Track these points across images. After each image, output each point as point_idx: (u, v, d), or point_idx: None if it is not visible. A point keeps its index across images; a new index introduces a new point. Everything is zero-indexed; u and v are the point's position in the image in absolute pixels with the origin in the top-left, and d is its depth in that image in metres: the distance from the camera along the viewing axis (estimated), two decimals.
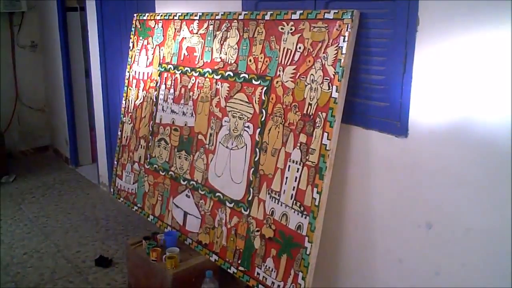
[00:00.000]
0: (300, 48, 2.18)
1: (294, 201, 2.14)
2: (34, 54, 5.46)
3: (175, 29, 2.99)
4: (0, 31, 5.19)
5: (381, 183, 2.04)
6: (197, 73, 2.79)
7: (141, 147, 3.24)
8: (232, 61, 2.55)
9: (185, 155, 2.85)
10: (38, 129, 5.64)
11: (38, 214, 4.05)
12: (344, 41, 2.00)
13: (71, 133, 5.05)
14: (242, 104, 2.47)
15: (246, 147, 2.43)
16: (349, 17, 1.98)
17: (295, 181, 2.14)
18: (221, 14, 2.64)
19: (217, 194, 2.59)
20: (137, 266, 2.82)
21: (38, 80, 5.54)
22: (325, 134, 2.03)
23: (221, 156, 2.59)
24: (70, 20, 4.82)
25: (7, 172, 4.93)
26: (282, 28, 2.28)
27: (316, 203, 2.03)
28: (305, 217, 2.08)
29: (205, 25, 2.75)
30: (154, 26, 3.17)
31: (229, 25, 2.59)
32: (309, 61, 2.13)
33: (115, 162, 3.50)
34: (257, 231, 2.32)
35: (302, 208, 2.10)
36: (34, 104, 5.56)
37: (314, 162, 2.06)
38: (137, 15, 3.36)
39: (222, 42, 2.63)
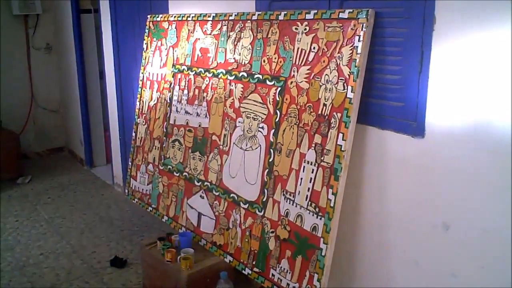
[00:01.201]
0: (314, 48, 2.17)
1: (309, 202, 2.12)
2: (49, 56, 5.51)
3: (189, 30, 2.99)
4: (16, 33, 5.24)
5: (397, 184, 2.02)
6: (211, 74, 2.79)
7: (155, 148, 3.25)
8: (246, 62, 2.55)
9: (199, 156, 2.85)
10: (53, 130, 5.70)
11: (53, 214, 4.09)
12: (359, 40, 1.98)
13: (86, 134, 5.09)
14: (256, 105, 2.47)
15: (260, 148, 2.42)
16: (364, 16, 1.97)
17: (310, 182, 2.13)
18: (235, 15, 2.64)
19: (232, 195, 2.59)
20: (151, 267, 2.83)
21: (53, 82, 5.60)
22: (340, 134, 2.01)
23: (235, 157, 2.58)
24: (84, 22, 4.86)
25: (23, 173, 4.99)
26: (296, 28, 2.27)
27: (332, 204, 2.02)
28: (320, 218, 2.06)
29: (219, 26, 2.75)
30: (168, 27, 3.18)
31: (242, 25, 2.58)
32: (324, 61, 2.12)
33: (130, 163, 3.52)
34: (272, 232, 2.31)
35: (317, 209, 2.08)
36: (49, 106, 5.61)
37: (329, 163, 2.05)
38: (150, 17, 3.37)
39: (235, 43, 2.62)
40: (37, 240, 3.64)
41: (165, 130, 3.17)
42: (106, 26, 4.19)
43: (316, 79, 2.15)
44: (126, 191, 3.58)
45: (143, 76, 3.42)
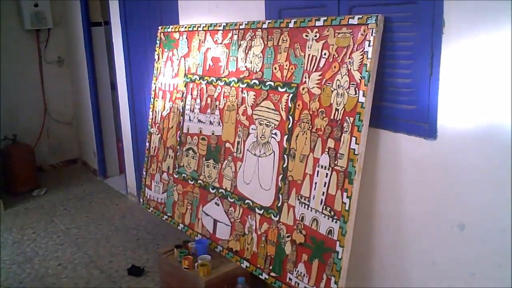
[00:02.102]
0: (325, 54, 2.21)
1: (324, 206, 2.15)
2: (61, 69, 5.60)
3: (200, 40, 3.04)
4: (28, 48, 5.34)
5: (412, 186, 2.04)
6: (223, 83, 2.84)
7: (169, 157, 3.30)
8: (257, 70, 2.59)
9: (213, 163, 2.89)
10: (67, 142, 5.78)
11: (70, 225, 4.14)
12: (369, 45, 2.01)
13: (99, 145, 5.15)
14: (268, 112, 2.51)
15: (274, 154, 2.45)
16: (374, 21, 2.00)
17: (324, 186, 2.16)
18: (245, 24, 2.69)
19: (246, 201, 2.62)
20: (169, 274, 2.86)
21: (66, 95, 5.69)
22: (353, 138, 2.04)
23: (249, 164, 2.62)
24: (95, 34, 4.94)
25: (38, 186, 5.06)
26: (306, 35, 2.30)
27: (346, 208, 2.04)
28: (336, 222, 2.09)
29: (229, 35, 2.80)
30: (179, 38, 3.24)
31: (253, 34, 2.63)
32: (335, 67, 2.15)
33: (144, 173, 3.57)
34: (288, 236, 2.34)
35: (332, 213, 2.11)
36: (62, 118, 5.70)
37: (343, 167, 2.08)
38: (161, 28, 3.43)
39: (246, 51, 2.67)
40: (55, 251, 3.70)
41: (178, 139, 3.21)
42: (117, 38, 4.27)
43: (328, 84, 2.18)
44: (141, 200, 3.62)
45: (155, 87, 3.47)
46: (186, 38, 3.16)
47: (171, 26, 3.34)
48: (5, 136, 5.06)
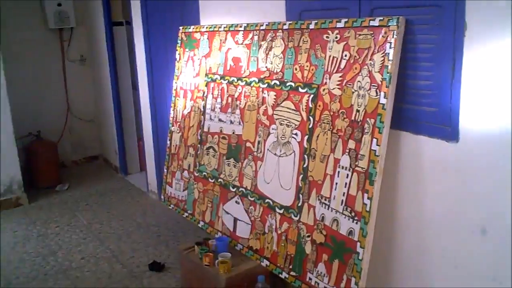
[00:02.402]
0: (346, 55, 2.22)
1: (345, 207, 2.17)
2: (83, 67, 5.70)
3: (221, 40, 3.08)
4: (51, 47, 5.45)
5: (433, 188, 2.04)
6: (244, 83, 2.87)
7: (190, 155, 3.35)
8: (278, 70, 2.61)
9: (233, 162, 2.93)
10: (89, 139, 5.89)
11: (92, 220, 4.23)
12: (390, 47, 2.02)
13: (120, 143, 5.24)
14: (289, 112, 2.53)
15: (295, 154, 2.48)
16: (395, 23, 2.01)
17: (345, 187, 2.17)
18: (266, 25, 2.71)
19: (267, 200, 2.65)
20: (190, 270, 2.91)
21: (88, 93, 5.79)
22: (374, 140, 2.05)
23: (270, 163, 2.65)
24: (116, 34, 5.02)
25: (61, 181, 5.17)
26: (327, 37, 2.32)
27: (367, 209, 2.06)
28: (356, 223, 2.11)
29: (250, 35, 2.82)
30: (200, 38, 3.27)
31: (274, 35, 2.65)
32: (356, 68, 2.17)
33: (165, 170, 3.63)
34: (308, 236, 2.37)
35: (353, 214, 2.13)
36: (84, 116, 5.80)
37: (363, 168, 2.09)
38: (182, 28, 3.48)
39: (267, 52, 2.69)
40: (78, 245, 3.78)
41: (199, 137, 3.26)
42: (138, 37, 4.32)
43: (349, 85, 2.20)
44: (162, 197, 3.68)
45: (177, 86, 3.52)
46: (207, 38, 3.20)
47: (192, 26, 3.37)
48: (29, 133, 5.18)
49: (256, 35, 2.78)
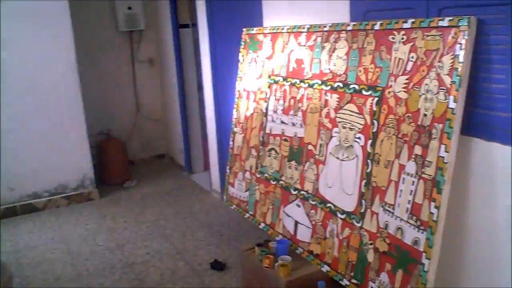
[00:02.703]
0: (412, 57, 2.13)
1: (410, 215, 2.09)
2: (151, 69, 5.90)
3: (283, 41, 3.06)
4: (122, 48, 5.69)
5: (506, 198, 1.91)
6: (306, 85, 2.84)
7: (252, 157, 3.36)
8: (341, 72, 2.56)
9: (295, 165, 2.91)
10: (156, 138, 6.09)
11: (158, 217, 4.37)
12: (461, 49, 1.91)
13: (185, 142, 5.37)
14: (352, 115, 2.47)
15: (357, 158, 2.42)
16: (466, 24, 1.90)
17: (410, 194, 2.09)
18: (329, 26, 2.66)
19: (328, 204, 2.61)
20: (250, 271, 2.93)
21: (156, 93, 5.99)
22: (442, 146, 1.96)
23: (332, 167, 2.60)
24: (183, 36, 5.14)
25: (129, 178, 5.39)
26: (393, 38, 2.24)
27: (434, 218, 1.97)
28: (422, 232, 2.02)
29: (313, 37, 2.78)
30: (263, 40, 3.28)
31: (337, 36, 2.60)
32: (423, 71, 2.07)
33: (228, 171, 3.67)
34: (371, 244, 2.30)
35: (418, 223, 2.04)
36: (152, 115, 6.01)
37: (430, 175, 2.00)
38: (246, 30, 3.50)
39: (330, 53, 2.64)
40: (144, 240, 3.92)
41: (261, 139, 3.26)
42: (203, 39, 4.40)
43: (415, 88, 2.11)
44: (224, 197, 3.73)
45: (240, 87, 3.55)
46: (270, 40, 3.19)
47: (255, 28, 3.39)
48: (101, 131, 5.44)
49: (319, 36, 2.73)
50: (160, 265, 3.52)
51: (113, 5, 5.45)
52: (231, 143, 3.64)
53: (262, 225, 3.20)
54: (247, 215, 3.39)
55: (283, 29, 3.07)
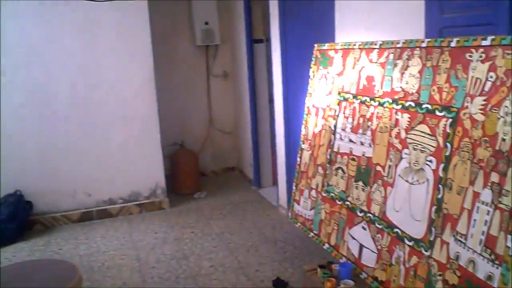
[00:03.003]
0: (491, 77, 1.98)
1: (484, 248, 1.92)
2: (225, 82, 6.02)
3: (355, 58, 2.98)
4: (198, 62, 5.86)
5: None
6: (376, 103, 2.73)
7: (318, 174, 3.29)
8: (414, 91, 2.44)
9: (362, 185, 2.80)
10: (227, 151, 6.18)
11: (224, 230, 4.40)
12: None
13: (255, 156, 5.40)
14: (424, 137, 2.33)
15: (428, 182, 2.28)
16: None
17: (485, 225, 1.92)
18: (402, 42, 2.55)
19: (395, 229, 2.48)
20: None
21: (228, 106, 6.09)
22: None
23: (400, 190, 2.47)
24: (256, 51, 5.20)
25: (199, 189, 5.50)
26: (470, 56, 2.09)
27: (511, 253, 1.79)
28: (497, 267, 1.84)
29: (385, 53, 2.68)
30: (334, 56, 3.21)
31: (410, 53, 2.48)
32: (503, 92, 1.91)
33: (294, 187, 3.62)
34: (440, 275, 2.14)
35: (493, 256, 1.87)
36: (224, 128, 6.11)
37: (508, 206, 1.83)
38: (317, 45, 3.45)
39: (403, 71, 2.53)
40: (209, 252, 3.95)
41: (328, 157, 3.19)
42: (275, 54, 4.42)
43: (494, 111, 1.95)
44: (290, 214, 3.68)
45: (309, 103, 3.50)
46: (341, 56, 3.13)
47: (326, 44, 3.33)
48: (174, 142, 5.61)
49: (392, 53, 2.63)
50: (223, 278, 3.52)
51: (191, 20, 5.63)
52: (298, 159, 3.59)
53: (326, 245, 3.11)
54: (312, 234, 3.31)
55: (354, 45, 2.99)
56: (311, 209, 3.35)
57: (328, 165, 3.19)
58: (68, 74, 4.55)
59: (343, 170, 3.02)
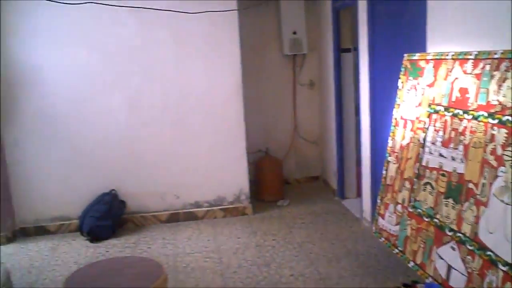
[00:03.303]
0: None
1: None
2: (311, 91, 6.02)
3: (447, 69, 2.85)
4: (285, 71, 5.91)
5: None
6: (470, 116, 2.59)
7: (405, 189, 3.18)
8: None
9: (452, 203, 2.66)
10: (311, 160, 6.16)
11: (305, 239, 4.38)
12: None
13: (339, 166, 5.32)
14: None
15: None
16: None
17: None
18: (500, 53, 2.39)
19: (488, 252, 2.32)
20: None
21: (313, 115, 6.08)
22: None
23: (495, 211, 2.31)
24: (344, 60, 5.14)
25: (282, 197, 5.53)
26: None
27: None
28: None
29: (481, 64, 2.53)
30: (425, 66, 3.09)
31: (509, 64, 2.32)
32: None
33: (378, 201, 3.52)
34: None
35: None
36: (308, 137, 6.10)
37: None
38: (407, 55, 3.34)
39: (500, 83, 2.37)
40: (290, 261, 3.95)
41: (416, 171, 3.06)
42: (363, 64, 4.33)
43: None
44: (373, 228, 3.58)
45: (397, 115, 3.39)
46: (433, 66, 3.00)
47: (417, 54, 3.21)
48: (259, 149, 5.69)
49: (488, 64, 2.47)
50: None
51: (279, 30, 5.70)
52: (384, 172, 3.49)
53: (411, 263, 2.98)
54: (396, 250, 3.20)
55: (447, 55, 2.86)
56: (396, 224, 3.24)
57: (415, 179, 3.06)
58: (161, 81, 4.81)
59: (431, 186, 2.88)
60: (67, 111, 4.70)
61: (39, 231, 4.79)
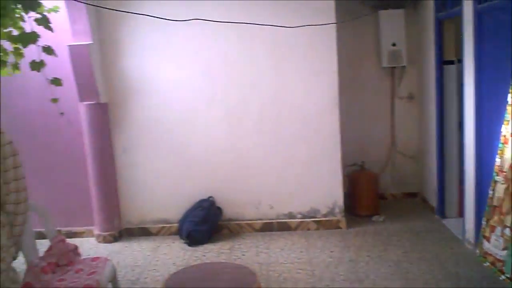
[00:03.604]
0: None
1: None
2: (410, 104, 5.83)
3: None
4: (383, 84, 5.80)
5: None
6: None
7: None
8: None
9: None
10: (409, 175, 5.95)
11: (402, 258, 4.23)
12: None
13: (440, 184, 5.07)
14: None
15: None
16: None
17: None
18: None
19: None
20: None
21: (412, 129, 5.87)
22: None
23: None
24: (446, 72, 4.92)
25: (378, 212, 5.39)
26: None
27: None
28: None
29: None
30: None
31: None
32: None
33: (484, 223, 3.33)
34: None
35: None
36: (407, 151, 5.90)
37: None
38: None
39: None
40: (384, 279, 3.84)
41: None
42: (468, 76, 4.12)
43: None
44: (477, 251, 3.38)
45: (505, 132, 3.19)
46: None
47: None
48: (354, 162, 5.61)
49: None
50: None
51: (378, 42, 5.61)
52: (490, 192, 3.29)
53: None
54: (503, 277, 3.00)
55: None
56: (503, 249, 3.03)
57: None
58: (259, 92, 4.95)
59: None
60: (174, 121, 5.00)
61: (143, 232, 5.14)
